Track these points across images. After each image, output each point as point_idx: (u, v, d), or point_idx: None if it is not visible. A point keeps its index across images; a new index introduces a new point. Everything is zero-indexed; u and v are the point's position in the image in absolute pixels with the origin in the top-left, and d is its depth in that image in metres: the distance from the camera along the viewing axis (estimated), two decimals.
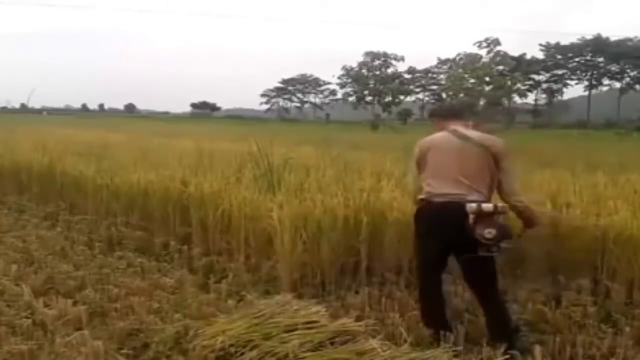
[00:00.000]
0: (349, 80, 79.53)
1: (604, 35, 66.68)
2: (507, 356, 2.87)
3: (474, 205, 3.00)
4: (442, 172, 3.16)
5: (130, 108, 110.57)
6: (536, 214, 3.42)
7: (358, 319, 3.23)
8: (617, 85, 69.30)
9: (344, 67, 79.49)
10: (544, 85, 72.16)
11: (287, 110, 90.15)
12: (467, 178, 3.10)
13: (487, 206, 3.01)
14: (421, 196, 3.23)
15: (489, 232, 2.97)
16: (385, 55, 76.70)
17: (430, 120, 3.62)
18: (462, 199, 3.05)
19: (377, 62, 77.07)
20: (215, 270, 4.53)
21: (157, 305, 3.67)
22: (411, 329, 3.21)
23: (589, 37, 67.08)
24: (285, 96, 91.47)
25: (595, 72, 69.37)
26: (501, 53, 62.20)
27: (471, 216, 3.00)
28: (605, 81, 70.50)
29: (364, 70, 77.75)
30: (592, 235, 4.15)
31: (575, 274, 4.11)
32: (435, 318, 3.22)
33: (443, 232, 3.13)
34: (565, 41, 69.63)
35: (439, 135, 3.31)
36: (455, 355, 2.85)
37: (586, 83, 70.38)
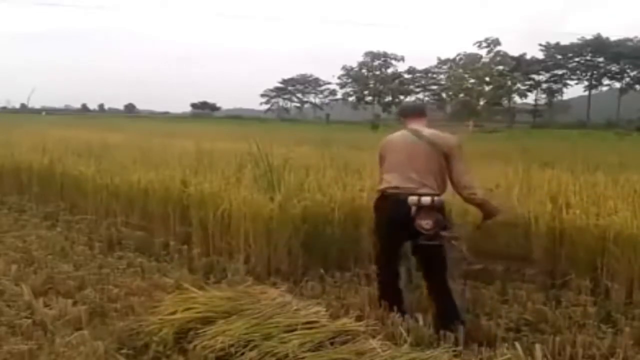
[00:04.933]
0: (349, 80, 79.43)
1: (604, 35, 66.65)
2: (508, 356, 2.88)
3: (414, 198, 3.29)
4: (396, 167, 3.43)
5: (130, 108, 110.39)
6: (493, 205, 3.58)
7: (358, 319, 3.23)
8: (617, 85, 69.17)
9: (344, 67, 79.46)
10: (544, 85, 71.97)
11: (287, 110, 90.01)
12: (418, 173, 3.36)
13: (426, 199, 3.26)
14: (378, 189, 3.52)
15: (426, 223, 3.24)
16: (385, 55, 76.64)
17: (398, 119, 3.89)
18: (412, 192, 3.30)
19: (377, 62, 76.99)
20: (215, 270, 4.54)
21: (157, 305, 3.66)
22: (411, 329, 3.20)
23: (589, 37, 66.99)
24: (285, 96, 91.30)
25: (595, 72, 69.26)
26: (501, 53, 62.20)
27: (413, 208, 3.27)
28: (605, 81, 70.38)
29: (364, 70, 77.68)
30: (592, 235, 4.15)
31: (575, 273, 4.11)
32: (390, 299, 3.44)
33: (394, 223, 3.40)
34: (565, 41, 69.52)
35: (398, 134, 3.60)
36: (455, 355, 2.86)
37: (586, 83, 70.25)
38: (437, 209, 3.28)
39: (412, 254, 3.51)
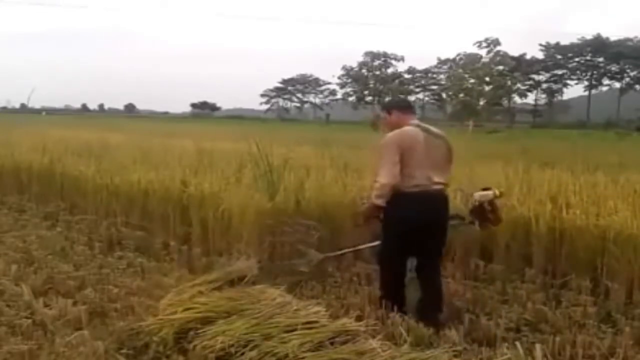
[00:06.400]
0: (349, 80, 79.32)
1: (604, 35, 66.60)
2: (508, 356, 2.88)
3: (490, 193, 3.65)
4: (419, 164, 3.42)
5: (130, 108, 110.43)
6: None
7: (358, 319, 3.24)
8: (617, 85, 69.09)
9: (344, 67, 79.33)
10: (544, 85, 71.86)
11: (287, 110, 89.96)
12: (434, 168, 3.45)
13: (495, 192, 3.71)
14: (403, 187, 3.40)
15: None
16: (385, 55, 76.51)
17: (387, 113, 3.72)
18: (431, 188, 3.42)
19: (377, 62, 76.86)
20: (215, 270, 4.52)
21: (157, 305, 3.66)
22: (411, 329, 3.21)
23: (589, 37, 66.89)
24: (285, 96, 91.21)
25: (595, 72, 69.18)
26: (501, 53, 62.02)
27: (486, 203, 3.65)
28: (605, 81, 70.26)
29: (364, 70, 77.57)
30: (592, 235, 4.15)
31: (575, 273, 4.11)
32: (396, 293, 3.55)
33: (423, 220, 3.41)
34: (565, 41, 69.40)
35: (409, 129, 3.50)
36: (455, 356, 2.86)
37: (586, 83, 70.15)
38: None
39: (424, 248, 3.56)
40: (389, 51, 77.16)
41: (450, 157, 3.58)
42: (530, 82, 69.87)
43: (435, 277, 3.57)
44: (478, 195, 3.69)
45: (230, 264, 4.23)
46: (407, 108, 3.73)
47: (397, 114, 3.64)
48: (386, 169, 3.41)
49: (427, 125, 3.56)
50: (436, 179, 3.43)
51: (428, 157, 3.42)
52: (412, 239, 3.46)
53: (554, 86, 71.96)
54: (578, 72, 69.96)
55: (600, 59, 67.70)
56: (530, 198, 4.88)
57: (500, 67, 61.72)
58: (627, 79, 67.86)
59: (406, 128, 3.51)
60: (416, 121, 3.59)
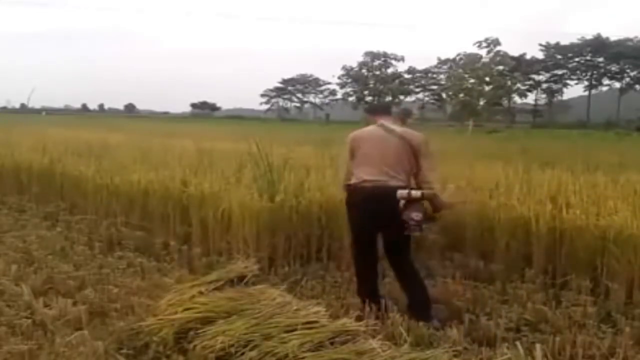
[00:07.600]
0: (349, 80, 79.30)
1: (604, 35, 66.66)
2: (508, 356, 2.88)
3: (404, 191, 3.37)
4: (367, 161, 3.57)
5: (130, 108, 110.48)
6: (440, 200, 3.62)
7: (358, 319, 3.24)
8: (617, 85, 69.16)
9: (344, 67, 79.30)
10: (544, 85, 71.93)
11: (287, 110, 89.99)
12: (388, 166, 3.50)
13: (416, 193, 3.39)
14: (351, 182, 3.63)
15: (417, 215, 3.34)
16: (385, 55, 76.49)
17: (366, 116, 4.10)
18: (385, 184, 3.45)
19: (377, 62, 76.84)
20: (215, 270, 4.53)
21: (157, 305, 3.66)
22: (411, 328, 3.21)
23: (589, 37, 66.98)
24: (285, 96, 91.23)
25: (595, 72, 69.25)
26: (501, 53, 61.98)
27: (402, 201, 3.35)
28: (605, 81, 70.38)
29: (364, 70, 77.54)
30: (592, 235, 4.15)
31: (575, 273, 4.11)
32: (367, 290, 3.64)
33: (370, 212, 3.52)
34: (565, 41, 69.48)
35: (368, 129, 3.75)
36: (455, 356, 2.86)
37: (586, 83, 70.25)
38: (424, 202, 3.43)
39: (383, 242, 3.64)
40: (389, 51, 77.22)
41: (404, 153, 3.52)
42: (530, 82, 69.91)
43: (411, 274, 3.60)
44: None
45: (230, 264, 4.23)
46: (374, 111, 3.96)
47: (370, 116, 3.91)
48: (344, 166, 3.84)
49: (391, 125, 3.65)
50: (389, 173, 3.49)
51: (380, 154, 3.54)
52: (360, 228, 3.65)
53: (554, 86, 72.02)
54: (578, 72, 70.02)
55: (600, 59, 67.77)
56: (530, 198, 4.88)
57: (500, 67, 61.67)
58: (627, 79, 67.92)
59: (365, 128, 3.80)
60: (382, 121, 3.70)
